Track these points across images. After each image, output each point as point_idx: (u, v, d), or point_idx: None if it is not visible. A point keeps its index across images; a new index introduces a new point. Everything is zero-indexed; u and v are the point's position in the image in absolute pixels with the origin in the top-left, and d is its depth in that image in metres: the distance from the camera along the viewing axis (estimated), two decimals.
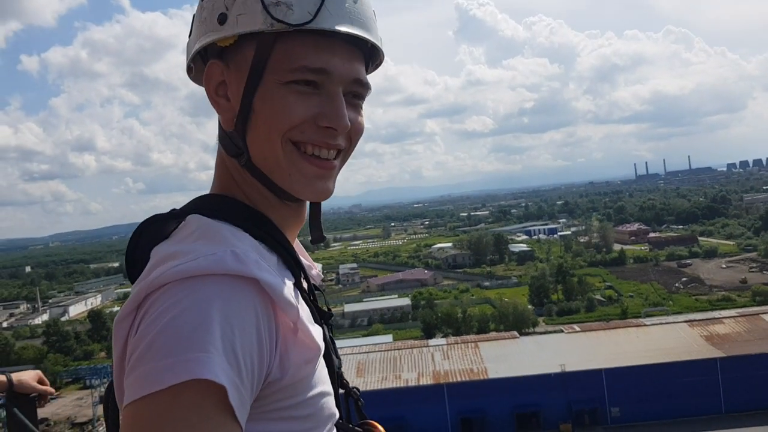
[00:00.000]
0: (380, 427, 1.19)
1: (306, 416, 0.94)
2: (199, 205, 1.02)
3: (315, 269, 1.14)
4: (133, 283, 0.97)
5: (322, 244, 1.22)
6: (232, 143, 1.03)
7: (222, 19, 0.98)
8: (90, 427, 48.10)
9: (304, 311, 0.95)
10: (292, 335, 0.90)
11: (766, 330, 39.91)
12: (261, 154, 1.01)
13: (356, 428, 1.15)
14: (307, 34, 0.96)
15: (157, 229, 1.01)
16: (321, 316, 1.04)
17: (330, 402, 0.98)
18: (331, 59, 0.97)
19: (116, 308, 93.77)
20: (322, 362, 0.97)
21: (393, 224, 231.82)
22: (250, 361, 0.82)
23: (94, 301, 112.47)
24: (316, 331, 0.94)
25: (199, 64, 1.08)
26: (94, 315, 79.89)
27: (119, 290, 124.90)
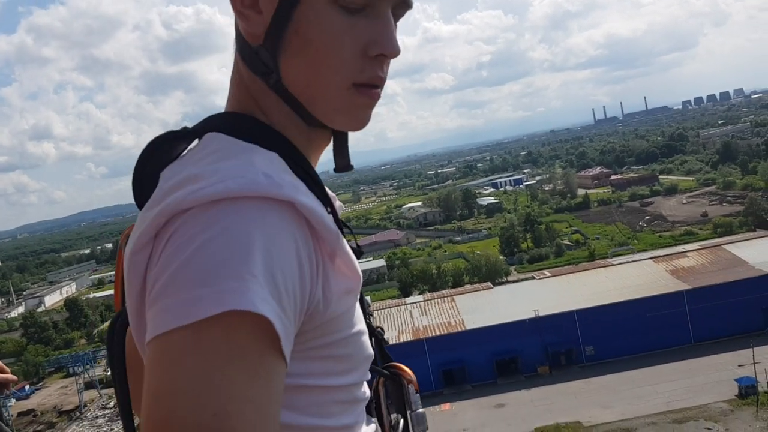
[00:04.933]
0: (408, 369, 1.17)
1: (346, 356, 0.89)
2: (217, 124, 0.92)
3: (338, 201, 1.02)
4: (140, 208, 0.88)
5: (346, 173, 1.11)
6: (260, 60, 0.91)
7: None
8: (78, 413, 48.29)
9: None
10: (332, 263, 0.83)
11: (728, 260, 41.64)
12: (302, 80, 0.91)
13: (384, 371, 1.12)
14: None
15: (169, 148, 0.91)
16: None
17: (367, 342, 0.93)
18: None
19: (92, 295, 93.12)
20: (357, 298, 0.91)
21: (362, 188, 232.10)
22: (292, 291, 0.75)
23: (69, 290, 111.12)
24: (355, 260, 0.88)
25: None
26: (71, 303, 79.30)
27: (93, 276, 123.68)
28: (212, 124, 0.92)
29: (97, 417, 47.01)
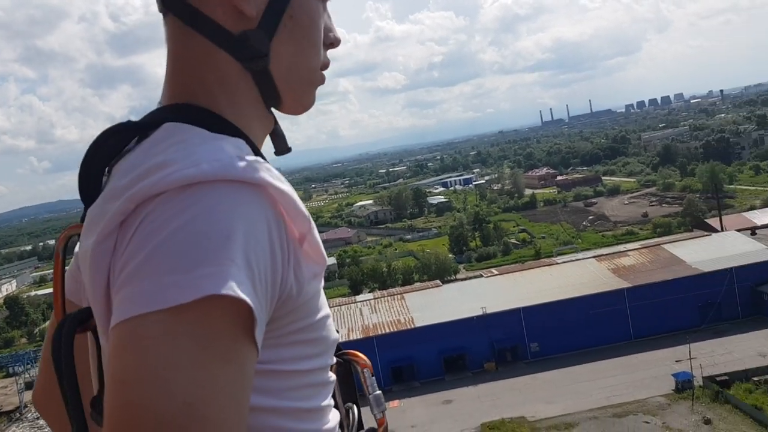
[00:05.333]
0: (362, 355, 1.19)
1: (316, 340, 0.89)
2: (171, 116, 0.88)
3: None
4: (87, 203, 0.87)
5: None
6: (250, 45, 0.90)
7: None
8: (18, 414, 46.78)
9: None
10: (301, 248, 0.83)
11: (666, 259, 43.21)
12: (286, 64, 0.93)
13: (344, 356, 1.14)
14: None
15: (117, 142, 0.88)
16: None
17: (333, 326, 0.94)
18: None
19: (33, 293, 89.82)
20: (322, 282, 0.92)
21: (313, 186, 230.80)
22: (264, 278, 0.74)
23: (9, 287, 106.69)
24: (321, 244, 0.88)
25: None
26: (11, 301, 76.42)
27: (35, 273, 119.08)
28: (165, 116, 0.88)
29: (38, 418, 45.43)
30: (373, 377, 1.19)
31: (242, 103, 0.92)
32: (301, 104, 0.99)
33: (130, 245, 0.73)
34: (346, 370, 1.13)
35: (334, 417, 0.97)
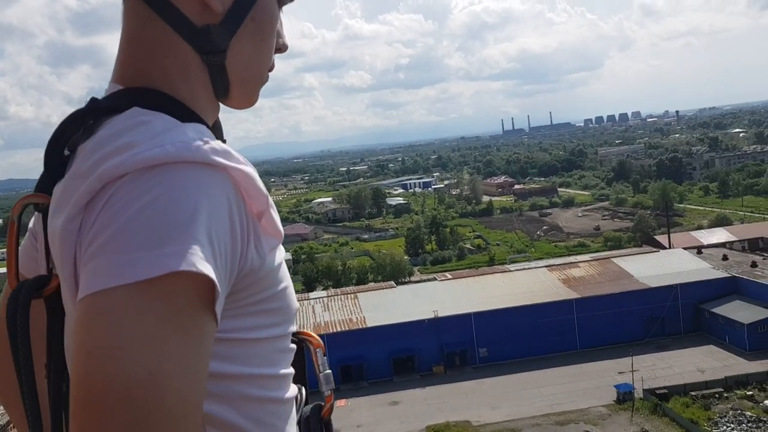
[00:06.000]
0: (314, 335, 1.24)
1: (277, 309, 0.94)
2: (133, 100, 0.91)
3: None
4: (51, 183, 0.92)
5: None
6: (210, 38, 0.94)
7: None
8: None
9: None
10: (260, 224, 0.88)
11: (615, 272, 44.23)
12: (243, 61, 0.98)
13: (298, 335, 1.17)
14: None
15: (84, 122, 0.92)
16: None
17: (293, 296, 0.99)
18: None
19: None
20: (283, 254, 0.97)
21: (273, 180, 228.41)
22: (224, 254, 0.79)
23: None
24: (278, 219, 0.93)
25: None
26: None
27: None
28: (129, 99, 0.92)
29: None
30: (325, 357, 1.25)
31: (199, 93, 0.96)
32: (248, 100, 1.05)
33: (96, 223, 0.76)
34: (296, 351, 1.14)
35: (292, 387, 1.02)
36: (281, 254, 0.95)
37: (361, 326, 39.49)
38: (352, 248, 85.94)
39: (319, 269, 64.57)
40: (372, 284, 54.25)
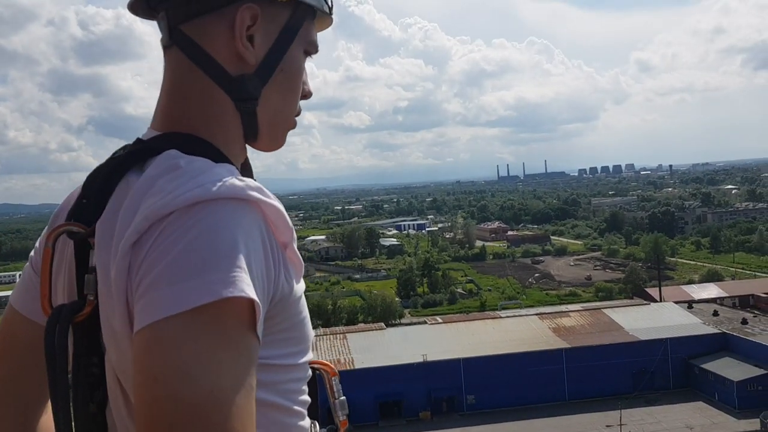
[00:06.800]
0: (330, 364, 1.33)
1: (302, 336, 1.01)
2: (172, 143, 1.01)
3: None
4: (88, 222, 0.98)
5: None
6: (245, 87, 1.04)
7: None
8: None
9: None
10: (286, 254, 0.97)
11: (605, 323, 44.11)
12: (273, 108, 1.08)
13: (314, 365, 1.22)
14: (314, 14, 1.13)
15: (128, 162, 1.02)
16: None
17: (311, 325, 1.06)
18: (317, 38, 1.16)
19: None
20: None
21: None
22: (261, 280, 0.87)
23: None
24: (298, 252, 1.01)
25: None
26: None
27: None
28: (171, 143, 1.00)
29: None
30: (340, 384, 1.33)
31: (233, 138, 1.07)
32: (275, 144, 1.14)
33: (146, 260, 0.85)
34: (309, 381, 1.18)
35: (307, 417, 1.07)
36: (302, 285, 1.02)
37: (348, 368, 39.03)
38: (344, 287, 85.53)
39: (309, 308, 63.55)
40: (362, 325, 53.86)
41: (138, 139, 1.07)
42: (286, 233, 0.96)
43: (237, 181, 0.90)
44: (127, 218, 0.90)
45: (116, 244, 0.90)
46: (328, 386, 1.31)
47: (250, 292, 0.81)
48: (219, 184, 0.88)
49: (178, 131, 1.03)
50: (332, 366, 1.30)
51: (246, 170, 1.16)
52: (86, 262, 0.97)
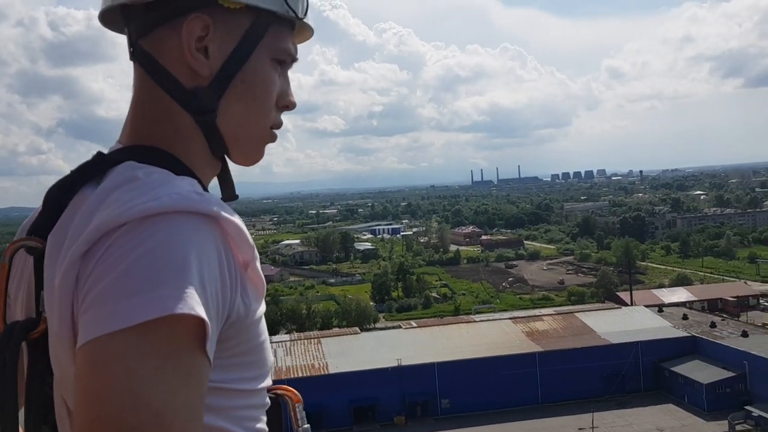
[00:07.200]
0: (293, 390, 1.29)
1: (259, 361, 0.96)
2: (134, 155, 0.98)
3: None
4: (44, 233, 0.94)
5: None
6: (199, 100, 1.01)
7: None
8: None
9: None
10: (245, 273, 0.91)
11: (577, 327, 44.56)
12: (235, 121, 1.04)
13: (277, 391, 1.21)
14: (289, 21, 1.08)
15: (86, 174, 0.99)
16: None
17: (270, 350, 1.01)
18: (294, 46, 1.11)
19: None
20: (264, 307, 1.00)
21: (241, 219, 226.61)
22: (215, 299, 0.82)
23: None
24: (261, 270, 0.96)
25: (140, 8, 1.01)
26: None
27: None
28: (130, 155, 0.98)
29: None
30: (303, 411, 1.28)
31: (195, 150, 1.03)
32: (248, 158, 1.09)
33: (94, 272, 0.80)
34: (273, 407, 1.13)
35: None
36: (263, 307, 0.96)
37: (323, 372, 38.85)
38: (318, 292, 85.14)
39: (283, 312, 63.69)
40: (336, 329, 53.65)
41: (99, 153, 1.03)
42: (247, 251, 0.91)
43: (196, 194, 0.86)
44: (78, 230, 0.86)
45: (63, 255, 0.85)
46: (291, 413, 1.26)
47: (200, 310, 0.77)
48: (176, 197, 0.84)
49: (138, 144, 1.01)
50: (296, 392, 1.27)
51: (226, 184, 1.14)
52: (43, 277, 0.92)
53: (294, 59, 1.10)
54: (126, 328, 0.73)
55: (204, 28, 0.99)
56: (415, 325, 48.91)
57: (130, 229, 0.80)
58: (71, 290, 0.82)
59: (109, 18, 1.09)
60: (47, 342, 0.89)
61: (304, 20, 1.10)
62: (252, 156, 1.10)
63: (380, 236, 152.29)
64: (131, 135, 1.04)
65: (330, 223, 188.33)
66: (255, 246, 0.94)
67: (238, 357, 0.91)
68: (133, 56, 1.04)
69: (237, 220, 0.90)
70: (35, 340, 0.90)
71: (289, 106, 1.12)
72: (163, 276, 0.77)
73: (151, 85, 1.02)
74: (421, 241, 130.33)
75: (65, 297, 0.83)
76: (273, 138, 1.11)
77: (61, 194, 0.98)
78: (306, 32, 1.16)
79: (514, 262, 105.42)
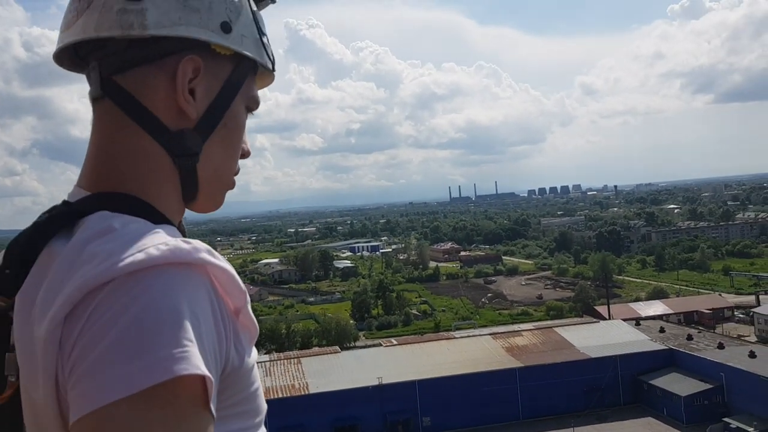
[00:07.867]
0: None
1: (254, 410, 0.92)
2: (105, 204, 0.91)
3: None
4: (10, 294, 0.86)
5: None
6: (184, 143, 0.97)
7: (226, 28, 0.99)
8: None
9: None
10: (237, 320, 0.88)
11: (557, 342, 44.80)
12: (213, 165, 1.01)
13: None
14: (255, 71, 1.08)
15: (54, 227, 0.89)
16: None
17: (263, 397, 0.97)
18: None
19: None
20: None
21: (219, 239, 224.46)
22: (212, 353, 0.79)
23: None
24: (252, 314, 0.93)
25: (118, 43, 0.95)
26: None
27: None
28: (100, 204, 0.91)
29: None
30: None
31: (168, 196, 0.97)
32: (213, 204, 1.07)
33: (84, 336, 0.73)
34: None
35: None
36: (254, 354, 0.93)
37: (303, 392, 38.51)
38: (297, 311, 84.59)
39: (263, 332, 63.08)
40: (316, 348, 53.36)
41: (64, 201, 0.95)
42: (239, 297, 0.87)
43: (183, 243, 0.80)
44: (53, 288, 0.79)
45: (40, 317, 0.78)
46: None
47: (203, 368, 0.73)
48: (165, 248, 0.78)
49: (110, 191, 0.93)
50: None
51: (180, 232, 1.05)
52: (8, 339, 0.85)
53: (258, 107, 1.10)
54: (129, 396, 0.68)
55: (195, 70, 0.96)
56: (395, 342, 48.76)
57: (118, 286, 0.75)
58: (54, 356, 0.76)
59: (65, 55, 1.03)
60: (14, 407, 0.84)
61: (274, 72, 1.11)
62: (217, 202, 1.07)
63: (360, 254, 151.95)
64: (96, 179, 0.96)
65: (309, 241, 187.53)
66: (246, 290, 0.89)
67: (233, 407, 0.88)
68: (104, 92, 0.96)
69: (227, 265, 0.85)
70: (0, 406, 0.85)
71: (245, 154, 1.10)
72: (159, 337, 0.72)
73: (127, 125, 0.95)
74: (401, 258, 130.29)
75: (49, 363, 0.76)
76: (234, 185, 1.09)
77: (26, 248, 0.88)
78: (267, 79, 1.15)
79: (493, 278, 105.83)
